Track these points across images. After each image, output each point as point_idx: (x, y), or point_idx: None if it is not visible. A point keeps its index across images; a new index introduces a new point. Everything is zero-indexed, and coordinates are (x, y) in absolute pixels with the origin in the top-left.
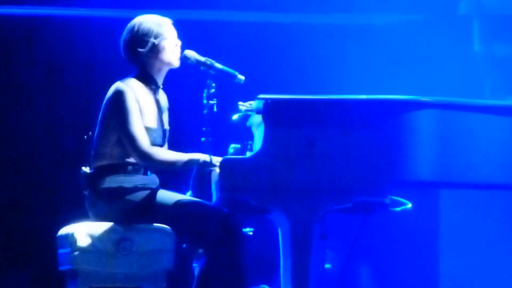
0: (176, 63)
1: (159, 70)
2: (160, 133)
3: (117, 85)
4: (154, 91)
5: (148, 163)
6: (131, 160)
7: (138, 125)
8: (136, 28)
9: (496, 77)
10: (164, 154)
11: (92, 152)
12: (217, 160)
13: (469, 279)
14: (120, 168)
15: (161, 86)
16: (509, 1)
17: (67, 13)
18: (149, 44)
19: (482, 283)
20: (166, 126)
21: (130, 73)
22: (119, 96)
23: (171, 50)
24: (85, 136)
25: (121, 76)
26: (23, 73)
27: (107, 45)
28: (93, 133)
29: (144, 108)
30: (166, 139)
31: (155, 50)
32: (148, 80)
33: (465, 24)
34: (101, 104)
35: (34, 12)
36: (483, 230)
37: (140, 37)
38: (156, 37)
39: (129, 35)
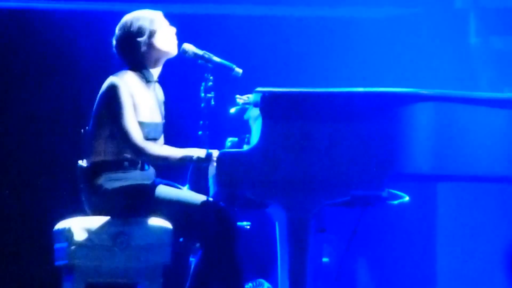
0: (174, 51)
1: (157, 61)
2: (155, 126)
3: (111, 79)
4: (150, 85)
5: (141, 157)
6: (127, 155)
7: (131, 120)
8: (130, 22)
9: (493, 69)
10: (157, 149)
11: (88, 147)
12: (215, 154)
13: (466, 272)
14: (117, 164)
15: (157, 80)
16: None
17: (59, 6)
18: (147, 33)
19: (479, 276)
20: (162, 120)
21: (124, 66)
22: (113, 90)
23: (168, 38)
24: (82, 130)
25: (117, 69)
26: (17, 68)
27: (103, 39)
28: (89, 127)
29: (138, 102)
30: (162, 133)
31: (153, 39)
32: (143, 73)
33: (462, 17)
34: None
35: (25, 6)
36: (480, 223)
37: (136, 29)
38: (151, 27)
39: (124, 30)
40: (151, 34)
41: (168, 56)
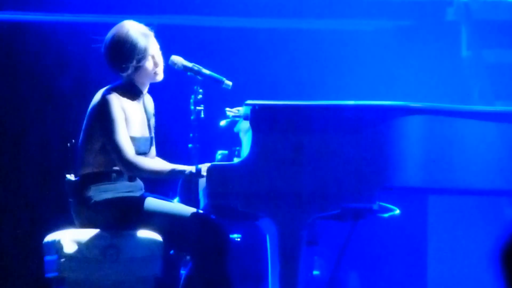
0: (159, 78)
1: (143, 83)
2: (144, 141)
3: (102, 93)
4: (139, 98)
5: (133, 172)
6: (116, 167)
7: (123, 135)
8: (121, 42)
9: (484, 82)
10: (150, 163)
11: (77, 159)
12: (205, 169)
13: (457, 285)
14: (105, 176)
15: (145, 93)
16: (497, 6)
17: (51, 18)
18: (130, 67)
19: None
20: (152, 134)
21: (115, 79)
22: (105, 105)
23: (155, 72)
24: (68, 144)
25: (107, 82)
26: (6, 79)
27: (93, 51)
28: (77, 140)
29: (129, 117)
30: (152, 147)
31: (136, 71)
32: (132, 89)
33: (453, 30)
34: (86, 110)
35: (18, 18)
36: (471, 236)
37: (124, 56)
38: (138, 60)
39: (113, 48)
40: (140, 60)
41: (154, 81)
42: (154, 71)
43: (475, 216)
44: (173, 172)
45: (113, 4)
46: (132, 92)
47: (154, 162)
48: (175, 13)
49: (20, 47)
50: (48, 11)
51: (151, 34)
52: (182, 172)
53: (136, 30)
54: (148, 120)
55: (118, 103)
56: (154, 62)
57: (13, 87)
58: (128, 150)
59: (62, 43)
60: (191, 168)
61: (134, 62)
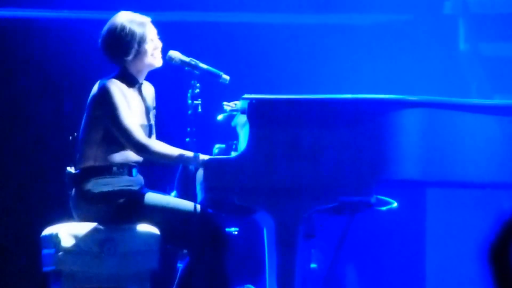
0: (158, 64)
1: (141, 71)
2: (144, 128)
3: (100, 83)
4: (135, 87)
5: (144, 154)
6: (116, 161)
7: (129, 118)
8: (117, 32)
9: (482, 76)
10: (162, 146)
11: (78, 152)
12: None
13: (455, 278)
14: (105, 169)
15: (142, 82)
16: (494, 0)
17: (49, 15)
18: (132, 51)
19: (468, 282)
20: (151, 122)
21: (112, 72)
22: (105, 92)
23: (153, 54)
24: (70, 137)
25: (106, 75)
26: (6, 73)
27: (91, 46)
28: (78, 133)
29: (129, 105)
30: (152, 135)
31: (138, 55)
32: (128, 78)
33: (451, 24)
34: (86, 104)
35: (16, 14)
36: (469, 229)
37: (123, 43)
38: (139, 43)
39: (111, 38)
40: (141, 43)
41: (153, 67)
42: (152, 55)
43: (474, 209)
44: (185, 158)
45: (109, 1)
46: (129, 81)
47: (164, 145)
48: (172, 9)
49: (19, 43)
50: (45, 8)
51: (148, 20)
52: (194, 157)
53: (132, 19)
54: (147, 108)
55: (118, 90)
56: (153, 46)
57: (12, 82)
58: (137, 132)
59: (61, 39)
60: (203, 157)
61: (136, 46)
